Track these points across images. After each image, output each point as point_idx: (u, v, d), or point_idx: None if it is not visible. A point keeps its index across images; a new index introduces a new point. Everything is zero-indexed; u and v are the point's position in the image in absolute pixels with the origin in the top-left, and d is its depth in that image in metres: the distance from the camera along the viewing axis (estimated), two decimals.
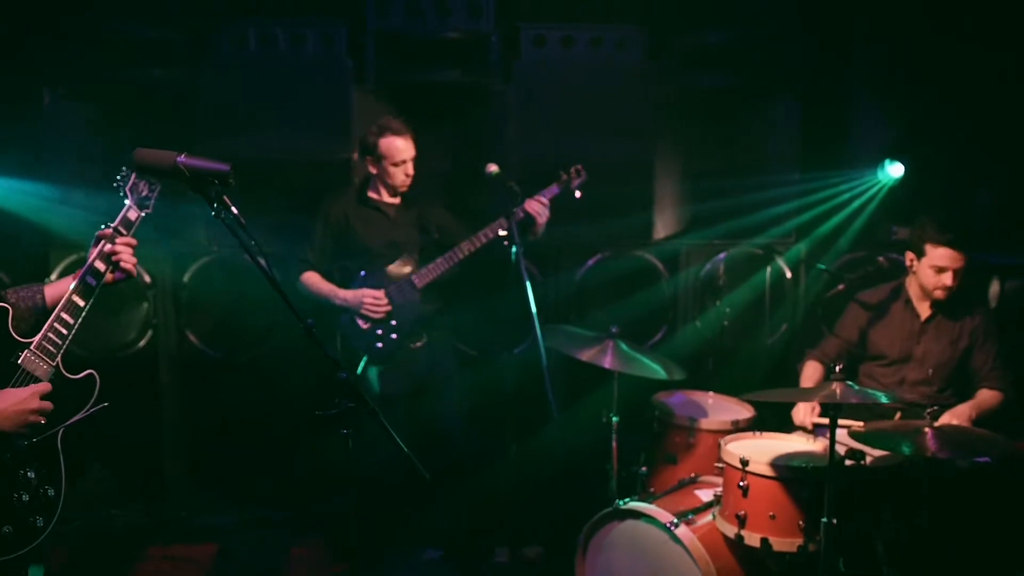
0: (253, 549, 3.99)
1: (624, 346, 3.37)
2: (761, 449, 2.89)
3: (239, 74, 4.21)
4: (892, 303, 3.44)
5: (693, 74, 4.34)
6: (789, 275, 4.34)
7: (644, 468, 3.55)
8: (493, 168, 3.51)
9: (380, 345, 3.65)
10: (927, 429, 2.63)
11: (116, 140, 3.97)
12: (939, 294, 3.29)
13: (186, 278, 4.26)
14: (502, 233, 3.50)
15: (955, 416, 3.13)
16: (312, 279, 3.72)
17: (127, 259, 2.32)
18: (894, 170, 4.12)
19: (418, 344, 3.76)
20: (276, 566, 3.84)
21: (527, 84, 4.27)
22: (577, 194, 3.79)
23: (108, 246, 2.30)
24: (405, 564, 3.84)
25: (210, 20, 4.20)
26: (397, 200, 3.83)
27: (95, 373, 2.34)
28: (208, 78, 4.22)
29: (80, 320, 2.28)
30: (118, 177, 2.40)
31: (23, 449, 2.16)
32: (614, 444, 3.41)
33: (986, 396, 3.27)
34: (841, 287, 3.56)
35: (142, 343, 4.28)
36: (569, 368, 3.76)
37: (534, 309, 3.19)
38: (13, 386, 2.16)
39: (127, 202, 2.36)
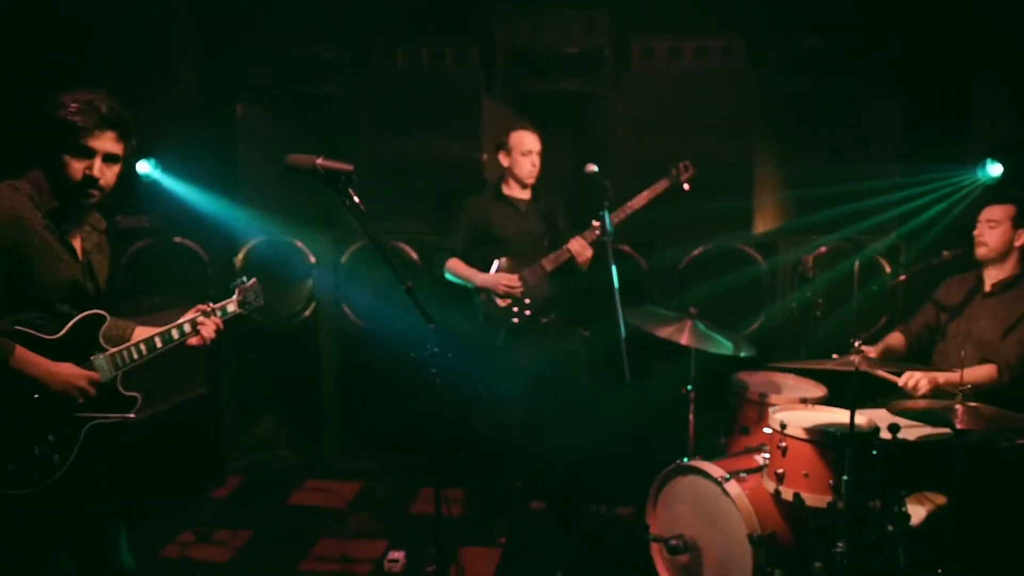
0: (389, 487, 4.72)
1: (701, 326, 3.76)
2: (804, 417, 3.22)
3: (389, 86, 4.89)
4: (967, 290, 3.63)
5: (794, 78, 4.61)
6: (888, 270, 4.53)
7: (723, 440, 3.95)
8: (592, 168, 3.98)
9: (516, 321, 4.21)
10: (958, 406, 2.88)
11: (293, 145, 4.78)
12: (977, 251, 3.50)
13: (343, 259, 4.94)
14: (595, 224, 3.99)
15: (915, 377, 3.30)
16: (455, 264, 4.27)
17: (207, 332, 2.72)
18: (994, 170, 4.23)
19: (546, 320, 4.29)
20: (405, 502, 4.54)
21: (637, 91, 4.71)
22: (686, 187, 4.17)
23: (200, 317, 2.73)
24: (515, 511, 4.41)
25: (366, 40, 4.92)
26: (527, 195, 4.32)
27: (139, 397, 2.64)
28: (364, 90, 4.92)
29: (152, 356, 2.64)
30: (236, 282, 2.87)
31: (56, 416, 2.46)
32: (691, 415, 3.81)
33: (980, 369, 3.35)
34: (902, 278, 3.77)
35: (307, 313, 5.03)
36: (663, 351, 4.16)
37: (616, 285, 3.63)
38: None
39: (233, 298, 2.86)
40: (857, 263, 4.14)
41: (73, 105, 2.42)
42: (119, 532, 2.70)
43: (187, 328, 2.71)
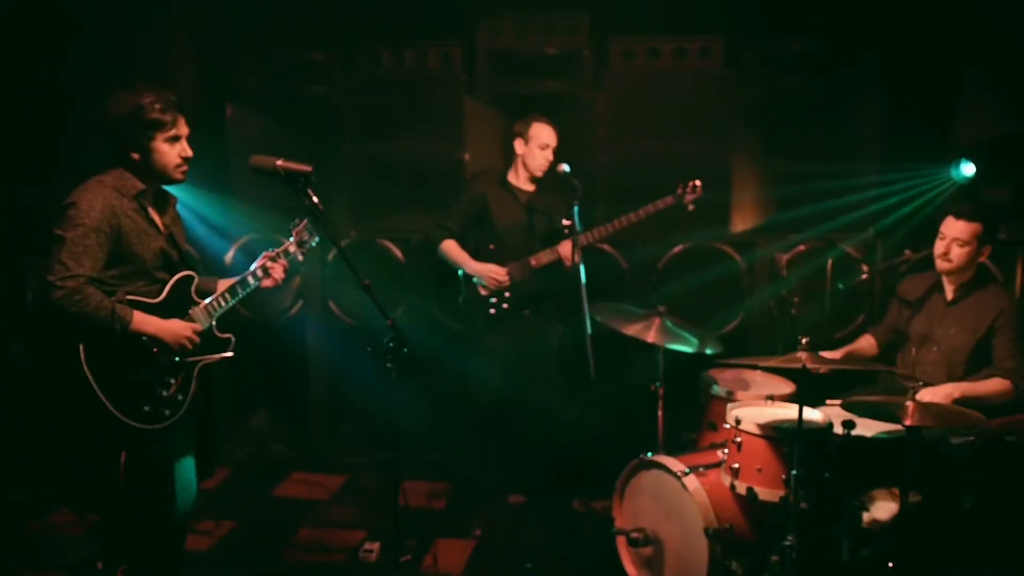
0: (373, 480, 4.82)
1: (669, 323, 3.82)
2: (761, 414, 3.28)
3: (375, 87, 4.98)
4: (926, 288, 3.66)
5: (773, 77, 4.64)
6: (865, 268, 4.55)
7: (693, 435, 4.01)
8: (563, 167, 4.06)
9: (493, 312, 4.32)
10: (908, 403, 2.92)
11: (281, 145, 4.88)
12: (939, 264, 3.49)
13: (329, 258, 5.01)
14: (565, 223, 4.05)
15: (935, 393, 3.30)
16: (450, 247, 4.36)
17: (278, 274, 3.23)
18: (967, 169, 4.25)
19: (526, 312, 4.37)
20: (388, 494, 4.63)
21: (616, 92, 4.77)
22: (690, 208, 4.18)
23: (269, 263, 3.20)
24: (493, 504, 4.50)
25: (353, 44, 5.01)
26: (532, 188, 4.40)
27: (233, 337, 3.16)
28: (351, 92, 5.02)
29: (235, 301, 3.14)
30: (291, 224, 3.28)
31: (173, 363, 2.96)
32: (659, 411, 3.88)
33: (992, 383, 3.36)
34: (864, 276, 3.80)
35: (294, 311, 5.12)
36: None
37: (584, 281, 3.71)
38: None
39: (292, 239, 3.28)
40: (830, 261, 4.18)
41: (158, 105, 2.87)
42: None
43: (260, 273, 3.20)
